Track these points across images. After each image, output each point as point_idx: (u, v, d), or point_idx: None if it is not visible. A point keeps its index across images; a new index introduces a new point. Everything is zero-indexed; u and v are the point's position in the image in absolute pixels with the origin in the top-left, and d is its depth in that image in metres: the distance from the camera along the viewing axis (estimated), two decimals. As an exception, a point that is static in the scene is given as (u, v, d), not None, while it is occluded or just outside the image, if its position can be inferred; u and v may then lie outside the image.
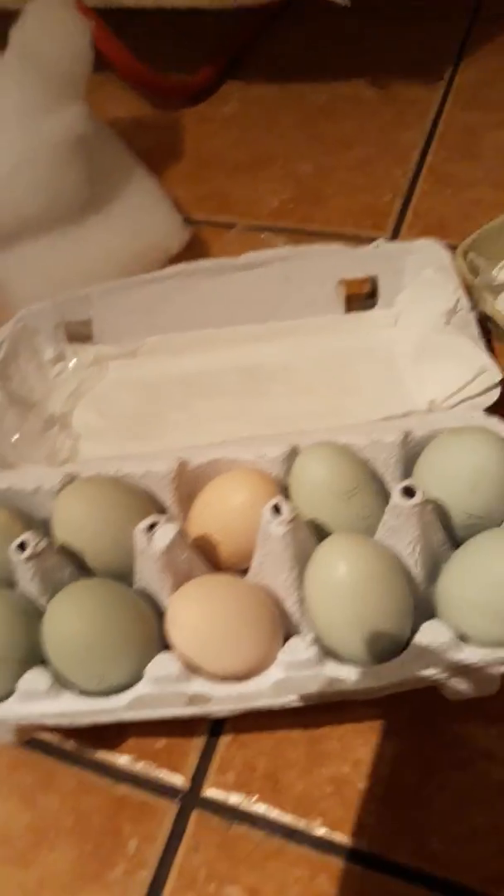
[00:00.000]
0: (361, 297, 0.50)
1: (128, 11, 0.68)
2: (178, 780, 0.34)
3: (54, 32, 0.58)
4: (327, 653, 0.32)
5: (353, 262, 0.47)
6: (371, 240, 0.48)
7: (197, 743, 0.35)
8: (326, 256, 0.47)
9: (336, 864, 0.31)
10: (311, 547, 0.34)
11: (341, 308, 0.49)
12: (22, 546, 0.34)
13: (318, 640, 0.32)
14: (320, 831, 0.32)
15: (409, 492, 0.32)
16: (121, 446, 0.45)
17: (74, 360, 0.51)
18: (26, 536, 0.34)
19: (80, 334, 0.51)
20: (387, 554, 0.33)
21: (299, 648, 0.31)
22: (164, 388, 0.49)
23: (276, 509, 0.33)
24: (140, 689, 0.32)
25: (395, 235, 0.57)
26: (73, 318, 0.50)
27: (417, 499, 0.32)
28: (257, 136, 0.70)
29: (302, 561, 0.33)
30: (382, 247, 0.47)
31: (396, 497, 0.32)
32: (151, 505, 0.38)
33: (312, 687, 0.31)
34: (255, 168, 0.66)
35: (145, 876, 0.32)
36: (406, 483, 0.32)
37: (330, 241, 0.50)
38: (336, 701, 0.32)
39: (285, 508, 0.33)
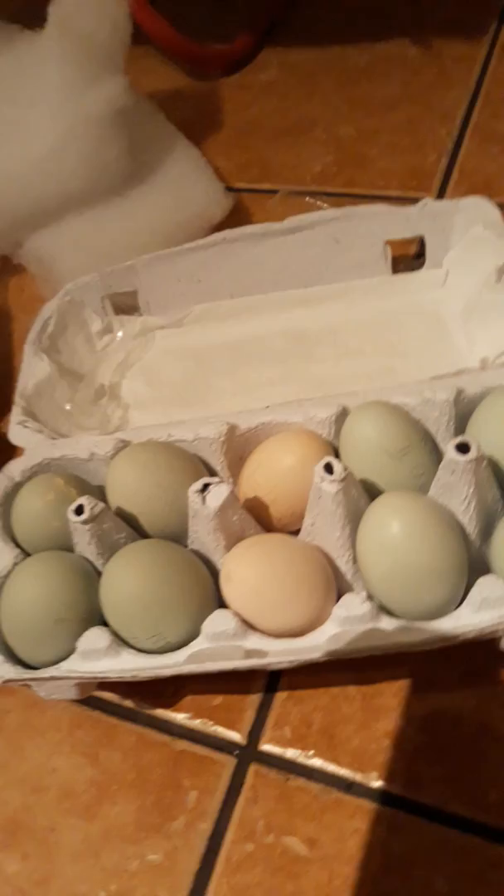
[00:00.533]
0: (409, 257, 0.49)
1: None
2: (236, 735, 0.35)
3: (92, 6, 0.58)
4: (381, 609, 0.32)
5: (399, 222, 0.47)
6: (416, 201, 0.47)
7: (253, 700, 0.36)
8: (372, 217, 0.47)
9: (393, 815, 0.32)
10: (363, 505, 0.34)
11: (388, 269, 0.48)
12: (79, 510, 0.34)
13: (372, 597, 0.32)
14: (377, 784, 0.32)
15: (463, 448, 0.32)
16: (169, 414, 0.45)
17: (121, 332, 0.51)
18: (83, 500, 0.34)
19: (126, 306, 0.52)
20: (441, 511, 0.33)
21: (354, 603, 0.31)
22: (211, 356, 0.49)
23: (328, 468, 0.33)
24: (197, 645, 0.32)
25: (440, 196, 0.56)
26: (119, 290, 0.51)
27: (473, 454, 0.32)
28: (297, 101, 0.69)
29: (354, 519, 0.34)
30: (429, 205, 0.46)
31: (451, 452, 0.32)
32: (202, 469, 0.39)
33: (367, 641, 0.31)
34: (295, 134, 0.65)
35: (205, 827, 0.33)
36: (461, 438, 0.32)
37: (375, 203, 0.49)
38: (390, 655, 0.32)
39: (337, 466, 0.33)
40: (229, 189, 0.59)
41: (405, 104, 0.65)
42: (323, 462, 0.33)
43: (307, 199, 0.56)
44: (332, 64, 0.72)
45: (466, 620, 0.31)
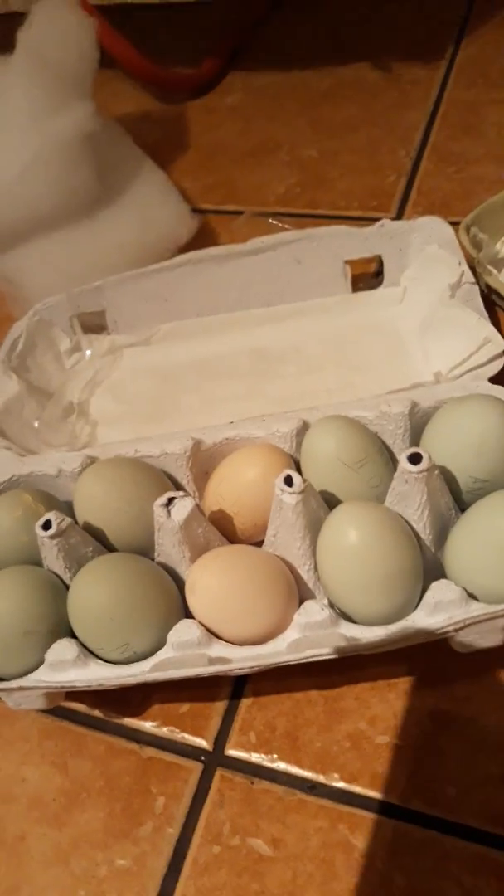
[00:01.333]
0: (368, 276, 0.51)
1: (128, 7, 0.70)
2: (202, 742, 0.36)
3: (60, 33, 0.60)
4: (340, 615, 0.33)
5: (358, 242, 0.48)
6: (376, 220, 0.49)
7: (219, 707, 0.37)
8: (332, 238, 0.48)
9: (355, 814, 0.33)
10: (322, 516, 0.35)
11: (348, 288, 0.50)
12: (47, 525, 0.35)
13: (332, 604, 0.34)
14: (339, 784, 0.34)
15: (415, 458, 0.33)
16: (137, 430, 0.46)
17: (90, 350, 0.52)
18: (50, 515, 0.35)
19: (94, 325, 0.53)
20: (396, 519, 0.34)
21: (314, 610, 0.33)
22: (177, 373, 0.50)
23: (288, 480, 0.34)
24: (163, 654, 0.33)
25: (399, 215, 0.58)
26: (88, 310, 0.52)
27: (424, 464, 0.33)
28: (262, 124, 0.71)
29: (314, 529, 0.35)
30: (387, 226, 0.48)
31: (404, 463, 0.33)
32: (168, 484, 0.40)
33: (327, 646, 0.33)
34: (260, 156, 0.67)
35: (172, 832, 0.34)
36: (413, 450, 0.34)
37: (336, 223, 0.51)
38: (351, 660, 0.34)
39: (297, 479, 0.34)
40: (195, 210, 0.61)
41: (366, 126, 0.67)
42: (283, 475, 0.34)
43: (270, 220, 0.58)
44: (295, 88, 0.74)
45: (422, 623, 0.33)
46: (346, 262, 0.49)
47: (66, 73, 0.59)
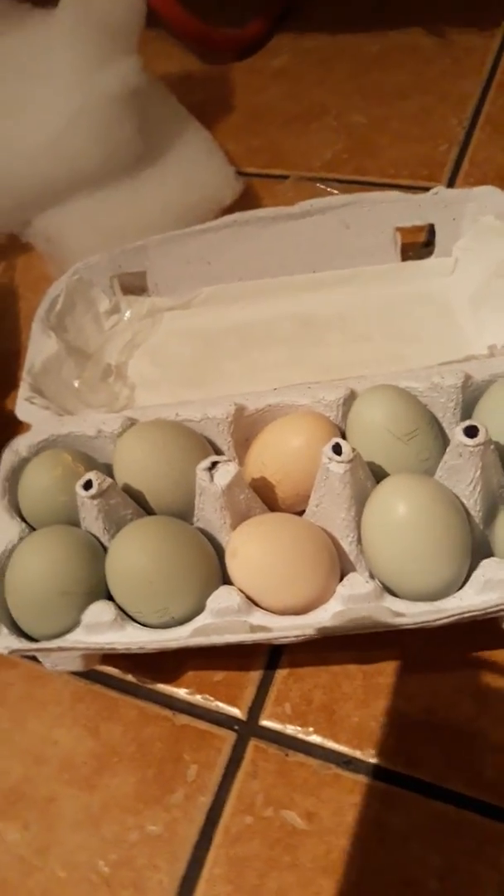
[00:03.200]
0: (417, 245, 0.49)
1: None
2: (236, 711, 0.36)
3: (107, -17, 0.58)
4: (384, 588, 0.33)
5: (410, 209, 0.47)
6: (426, 190, 0.47)
7: (253, 676, 0.36)
8: (383, 203, 0.47)
9: (391, 791, 0.32)
10: (369, 487, 0.34)
11: (397, 256, 0.48)
12: (87, 485, 0.35)
13: (374, 577, 0.33)
14: (375, 760, 0.33)
15: (471, 431, 0.32)
16: (176, 395, 0.45)
17: (129, 312, 0.51)
18: (91, 475, 0.35)
19: (134, 286, 0.52)
20: (446, 494, 0.33)
21: (358, 582, 0.32)
22: (218, 338, 0.49)
23: (337, 449, 0.33)
24: (202, 620, 0.33)
25: (450, 185, 0.56)
26: (128, 270, 0.51)
27: (481, 438, 0.32)
28: (309, 88, 0.69)
29: (360, 501, 0.34)
30: (441, 193, 0.46)
31: (459, 436, 0.32)
32: (209, 448, 0.39)
33: (370, 620, 0.32)
34: (307, 120, 0.65)
35: (205, 800, 0.34)
36: (469, 422, 0.32)
37: (384, 191, 0.49)
38: (391, 635, 0.33)
39: (346, 447, 0.33)
40: (239, 173, 0.59)
41: (417, 93, 0.65)
42: (331, 443, 0.33)
43: (318, 185, 0.57)
44: (344, 52, 0.72)
45: (469, 601, 0.32)
46: (397, 229, 0.48)
47: (112, 27, 0.58)
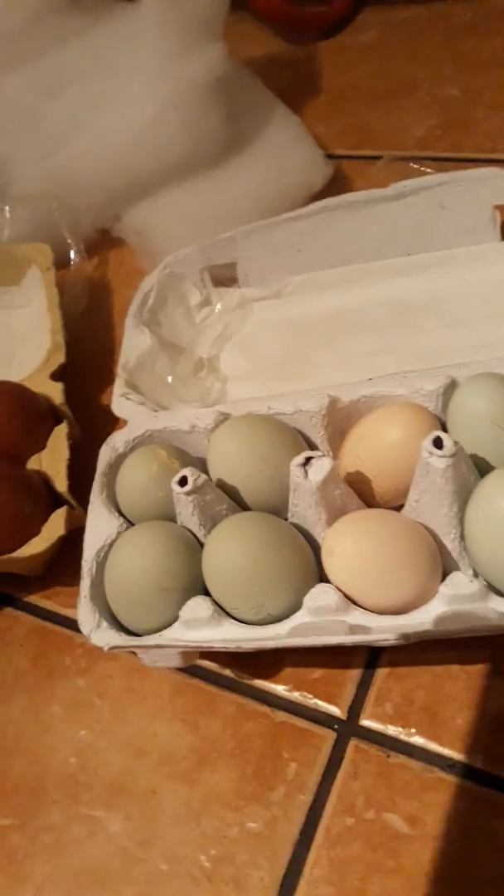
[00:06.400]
0: (518, 224, 0.47)
1: None
2: (335, 710, 0.35)
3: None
4: (489, 588, 0.31)
5: (510, 185, 0.45)
6: (527, 163, 0.45)
7: (353, 675, 0.36)
8: (481, 181, 0.45)
9: (498, 798, 0.31)
10: (472, 482, 0.33)
11: (497, 236, 0.46)
12: (183, 481, 0.35)
13: (477, 576, 0.31)
14: (481, 766, 0.32)
15: None
16: (268, 387, 0.45)
17: (220, 304, 0.51)
18: (186, 471, 0.35)
19: (224, 278, 0.51)
20: None
21: (462, 582, 0.31)
22: (309, 328, 0.48)
23: (437, 442, 0.32)
24: (299, 618, 0.32)
25: (553, 158, 0.53)
26: (219, 262, 0.50)
27: None
28: (398, 63, 0.67)
29: (463, 496, 0.32)
30: (544, 167, 0.44)
31: None
32: (302, 443, 0.38)
33: (475, 621, 0.30)
34: (397, 97, 0.63)
35: (304, 799, 0.33)
36: None
37: (482, 167, 0.47)
38: (498, 636, 0.31)
39: (447, 441, 0.31)
40: (329, 156, 0.58)
41: (514, 61, 0.62)
42: (431, 436, 0.32)
43: (411, 164, 0.55)
44: (435, 21, 0.69)
45: None
46: (496, 207, 0.46)
47: (197, 15, 0.58)
